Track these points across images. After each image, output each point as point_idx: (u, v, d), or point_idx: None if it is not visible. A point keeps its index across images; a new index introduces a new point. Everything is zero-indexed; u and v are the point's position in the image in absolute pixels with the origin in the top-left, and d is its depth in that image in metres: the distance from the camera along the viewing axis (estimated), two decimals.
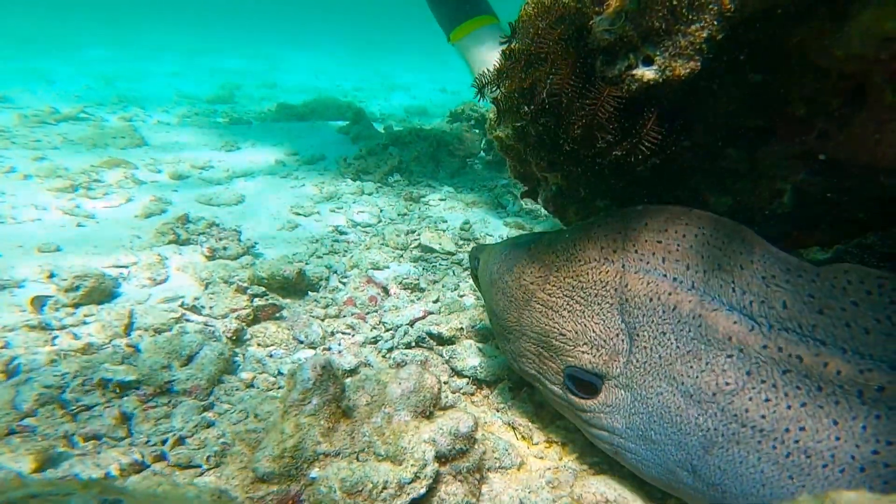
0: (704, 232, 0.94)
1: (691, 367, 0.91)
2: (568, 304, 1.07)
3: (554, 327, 1.09)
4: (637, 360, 0.98)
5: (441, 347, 1.59)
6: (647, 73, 0.86)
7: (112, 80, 6.51)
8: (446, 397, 1.36)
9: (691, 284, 0.94)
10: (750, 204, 1.11)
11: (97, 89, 5.69)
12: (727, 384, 0.88)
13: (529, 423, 1.27)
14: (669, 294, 0.95)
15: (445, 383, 1.42)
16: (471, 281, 2.06)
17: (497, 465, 1.11)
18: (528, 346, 1.15)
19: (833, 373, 0.80)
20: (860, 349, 0.80)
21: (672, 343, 0.94)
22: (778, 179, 1.08)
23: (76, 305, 1.64)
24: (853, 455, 0.78)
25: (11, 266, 1.79)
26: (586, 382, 1.05)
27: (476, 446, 1.03)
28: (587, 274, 1.05)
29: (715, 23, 0.81)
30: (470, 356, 1.49)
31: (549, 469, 1.14)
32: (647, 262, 0.99)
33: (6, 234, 2.01)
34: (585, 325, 1.04)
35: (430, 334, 1.62)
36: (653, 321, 0.97)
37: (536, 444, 1.22)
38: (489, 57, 2.47)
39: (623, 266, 1.02)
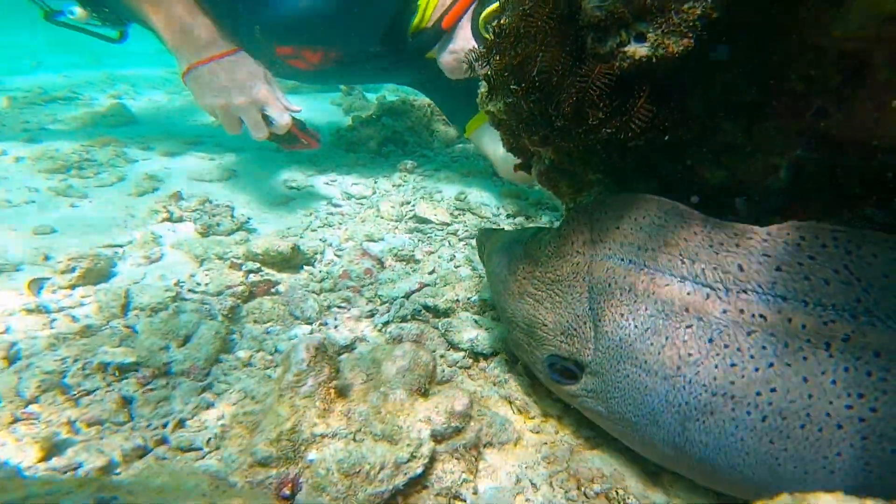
0: (649, 213, 0.96)
1: (651, 344, 0.92)
2: (549, 296, 1.11)
3: (538, 318, 1.13)
4: (602, 346, 1.00)
5: (437, 320, 1.60)
6: (640, 50, 0.85)
7: (100, 57, 6.33)
8: (442, 371, 1.37)
9: (643, 264, 0.96)
10: (745, 178, 1.11)
11: (85, 67, 5.54)
12: (689, 355, 0.88)
13: (526, 397, 1.29)
14: (624, 277, 0.97)
15: (442, 356, 1.43)
16: (466, 252, 2.06)
17: (494, 440, 1.14)
18: (520, 336, 1.20)
19: (798, 327, 0.81)
20: (822, 300, 0.80)
21: (630, 324, 0.95)
22: (774, 155, 1.06)
23: (73, 287, 1.64)
24: (828, 412, 0.78)
25: (8, 250, 1.78)
26: (569, 369, 1.08)
27: (472, 423, 1.04)
28: (562, 267, 1.09)
29: (709, 0, 0.80)
30: (466, 329, 1.50)
31: (546, 444, 1.16)
32: (609, 249, 1.02)
33: (1, 218, 2.00)
34: (561, 316, 1.08)
35: (425, 307, 1.63)
36: (611, 304, 0.98)
37: (533, 417, 1.24)
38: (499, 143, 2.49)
39: (590, 256, 1.04)
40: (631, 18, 0.84)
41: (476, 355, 1.45)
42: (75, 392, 1.24)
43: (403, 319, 1.61)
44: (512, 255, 1.26)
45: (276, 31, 2.33)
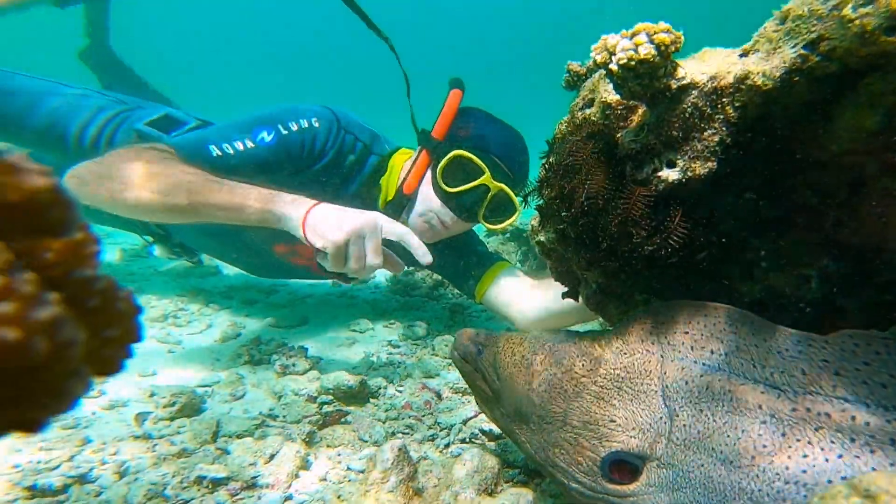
0: (719, 321, 1.10)
1: (728, 436, 1.01)
2: (618, 394, 1.17)
3: (605, 415, 1.17)
4: (678, 439, 1.08)
5: (492, 442, 1.70)
6: (672, 174, 0.99)
7: None
8: (501, 487, 1.45)
9: (717, 366, 1.08)
10: (780, 291, 1.19)
11: None
12: (764, 447, 0.97)
13: None
14: (701, 376, 1.08)
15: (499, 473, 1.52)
16: None
17: None
18: (566, 436, 1.21)
19: (862, 424, 0.90)
20: (882, 402, 0.90)
21: (709, 418, 1.05)
22: (803, 266, 1.15)
23: (172, 419, 1.85)
24: None
25: (119, 390, 2.06)
26: (623, 469, 1.13)
27: None
28: (633, 366, 1.17)
29: (724, 129, 0.95)
30: None
31: None
32: (679, 352, 1.13)
33: None
34: (634, 412, 1.14)
35: (482, 431, 1.75)
36: (690, 401, 1.08)
37: None
38: (516, 297, 2.49)
39: (661, 356, 1.15)
40: (662, 148, 1.00)
41: (530, 472, 1.52)
42: (174, 501, 1.38)
43: (462, 441, 1.72)
44: (560, 354, 1.30)
45: (264, 233, 2.48)
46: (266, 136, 2.25)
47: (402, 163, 2.43)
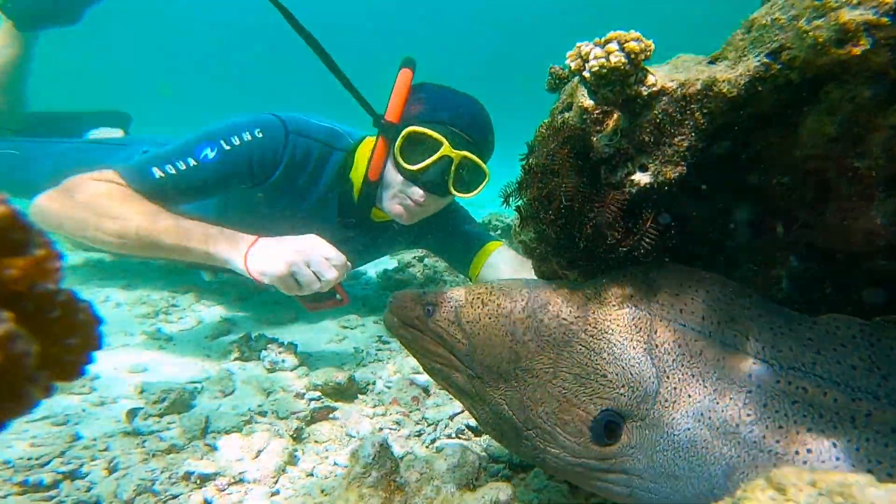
0: (713, 289, 1.13)
1: (717, 403, 1.07)
2: (608, 346, 1.12)
3: (596, 368, 1.11)
4: (666, 401, 1.08)
5: (478, 438, 1.73)
6: (644, 178, 1.03)
7: None
8: (486, 481, 1.48)
9: (709, 333, 1.11)
10: (753, 289, 1.19)
11: None
12: (749, 416, 1.04)
13: (565, 501, 1.38)
14: (695, 340, 1.11)
15: (484, 469, 1.55)
16: None
17: None
18: (554, 391, 1.12)
19: (831, 401, 1.00)
20: (850, 383, 1.00)
21: (700, 383, 1.08)
22: (774, 266, 1.20)
23: (161, 415, 1.87)
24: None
25: (109, 386, 2.08)
26: (610, 429, 1.09)
27: None
28: (623, 318, 1.13)
29: (693, 135, 0.98)
30: None
31: None
32: (669, 313, 1.13)
33: (103, 359, 2.32)
34: (624, 368, 1.10)
35: (468, 426, 1.78)
36: (682, 364, 1.09)
37: None
38: (511, 275, 2.46)
39: (650, 314, 1.14)
40: (634, 152, 1.03)
41: (514, 467, 1.56)
42: (163, 496, 1.41)
43: (449, 437, 1.75)
44: (543, 299, 1.21)
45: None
46: (209, 153, 2.25)
47: (367, 153, 2.42)
